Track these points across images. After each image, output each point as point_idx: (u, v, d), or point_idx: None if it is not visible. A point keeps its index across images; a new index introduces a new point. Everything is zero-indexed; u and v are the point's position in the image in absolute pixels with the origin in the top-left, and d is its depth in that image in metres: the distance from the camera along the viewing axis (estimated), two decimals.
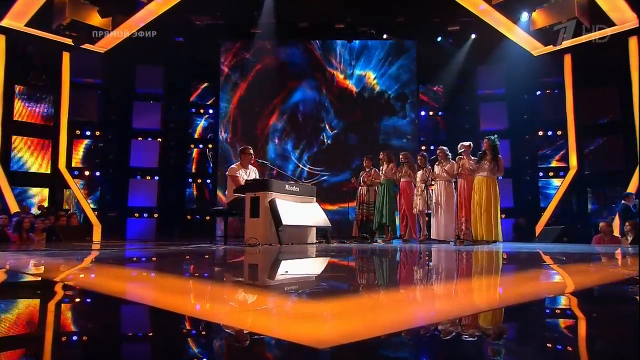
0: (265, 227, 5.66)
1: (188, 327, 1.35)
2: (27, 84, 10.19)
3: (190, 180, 12.09)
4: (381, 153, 8.05)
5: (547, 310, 1.68)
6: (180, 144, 12.13)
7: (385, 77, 11.84)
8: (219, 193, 11.34)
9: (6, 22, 9.41)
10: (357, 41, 11.84)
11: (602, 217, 9.06)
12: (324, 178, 11.46)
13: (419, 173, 7.62)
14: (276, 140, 11.78)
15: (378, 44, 11.88)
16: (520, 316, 1.53)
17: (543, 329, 1.37)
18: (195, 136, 12.23)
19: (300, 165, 11.61)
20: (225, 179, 6.59)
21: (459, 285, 2.38)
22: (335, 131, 11.73)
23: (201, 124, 12.28)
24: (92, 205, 10.63)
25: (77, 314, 1.60)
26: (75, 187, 10.43)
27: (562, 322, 1.47)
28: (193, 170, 12.11)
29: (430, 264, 3.73)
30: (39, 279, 2.64)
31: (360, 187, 8.24)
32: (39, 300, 1.89)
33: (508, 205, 10.19)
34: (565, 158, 10.39)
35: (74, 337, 1.26)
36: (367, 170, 8.17)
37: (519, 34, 10.13)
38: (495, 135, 6.74)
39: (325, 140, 11.71)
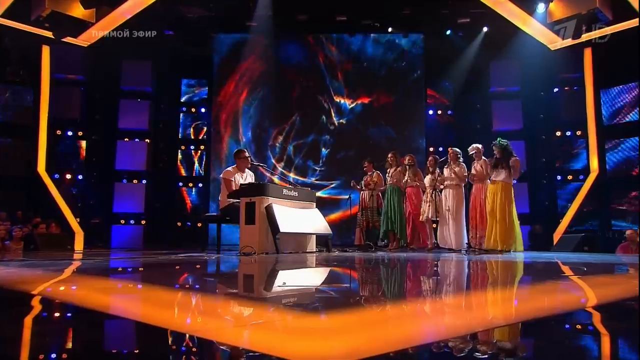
0: (262, 234, 5.65)
1: (178, 344, 1.34)
2: (3, 79, 10.18)
3: (180, 184, 12.08)
4: (389, 155, 8.04)
5: (567, 326, 1.66)
6: (170, 145, 12.11)
7: (389, 73, 11.84)
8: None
9: None
10: (360, 35, 11.86)
11: (627, 224, 9.04)
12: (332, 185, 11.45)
13: (428, 178, 7.59)
14: (273, 141, 11.79)
15: (382, 37, 11.89)
16: (537, 333, 1.52)
17: (562, 347, 1.36)
18: (186, 137, 12.21)
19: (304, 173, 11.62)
20: (219, 183, 6.59)
21: (471, 298, 2.37)
22: (336, 133, 11.73)
23: (193, 123, 12.26)
24: (73, 211, 10.60)
25: (56, 331, 1.59)
26: (56, 191, 10.40)
27: (584, 340, 1.46)
28: (183, 174, 12.08)
29: (440, 275, 3.72)
30: (14, 291, 2.63)
31: (362, 192, 8.23)
32: (14, 315, 1.88)
33: (524, 211, 10.15)
34: (585, 160, 10.36)
35: (52, 356, 1.25)
36: (368, 173, 8.16)
37: (535, 26, 10.13)
38: (499, 138, 6.73)
39: (330, 133, 11.72)
